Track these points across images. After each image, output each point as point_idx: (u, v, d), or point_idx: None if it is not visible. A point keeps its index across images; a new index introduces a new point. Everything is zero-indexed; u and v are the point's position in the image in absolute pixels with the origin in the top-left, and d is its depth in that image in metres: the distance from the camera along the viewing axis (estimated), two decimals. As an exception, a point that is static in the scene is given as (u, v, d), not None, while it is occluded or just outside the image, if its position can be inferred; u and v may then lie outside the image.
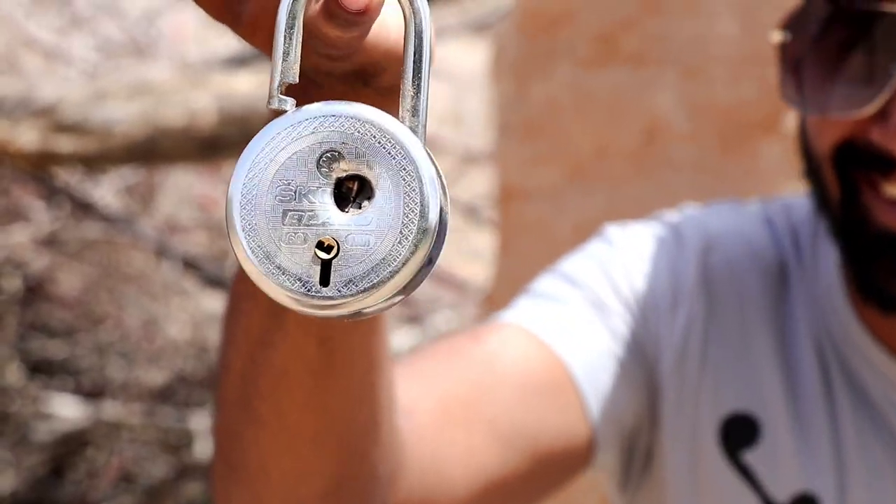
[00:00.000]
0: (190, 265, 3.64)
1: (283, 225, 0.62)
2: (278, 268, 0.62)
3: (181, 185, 3.53)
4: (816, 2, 1.03)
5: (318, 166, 0.62)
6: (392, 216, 0.62)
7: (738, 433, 1.10)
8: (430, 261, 0.62)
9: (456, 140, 3.39)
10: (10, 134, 3.06)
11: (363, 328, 0.85)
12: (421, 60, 0.63)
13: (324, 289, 0.62)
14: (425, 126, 0.63)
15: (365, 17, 0.63)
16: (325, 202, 0.62)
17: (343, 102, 0.62)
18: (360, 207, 0.62)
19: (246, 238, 0.62)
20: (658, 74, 2.45)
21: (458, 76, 3.97)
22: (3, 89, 3.13)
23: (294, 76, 0.62)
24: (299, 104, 0.63)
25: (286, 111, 0.62)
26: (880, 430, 1.09)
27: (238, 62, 3.31)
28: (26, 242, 3.55)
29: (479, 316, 2.78)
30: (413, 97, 0.63)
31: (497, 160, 2.66)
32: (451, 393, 1.06)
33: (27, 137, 3.05)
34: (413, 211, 0.62)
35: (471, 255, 3.74)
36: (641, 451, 1.15)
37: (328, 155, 0.62)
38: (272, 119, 0.63)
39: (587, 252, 1.17)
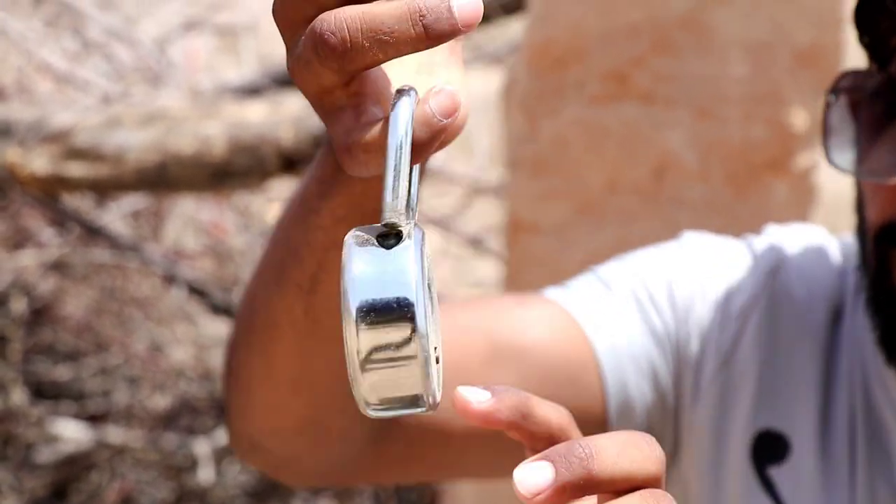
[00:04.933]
0: (195, 291, 3.64)
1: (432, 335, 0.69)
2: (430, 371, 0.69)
3: (188, 212, 3.54)
4: (865, 70, 1.03)
5: (429, 282, 0.70)
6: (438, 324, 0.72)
7: (769, 449, 1.13)
8: None
9: (464, 172, 3.40)
10: (22, 159, 3.07)
11: None
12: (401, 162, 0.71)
13: (437, 392, 0.70)
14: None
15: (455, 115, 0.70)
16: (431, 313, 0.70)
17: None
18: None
19: (423, 346, 0.69)
20: (669, 113, 2.45)
21: (472, 104, 3.97)
22: (15, 114, 3.13)
23: (402, 210, 0.70)
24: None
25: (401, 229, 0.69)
26: (886, 468, 1.11)
27: (249, 91, 3.32)
28: (33, 266, 3.55)
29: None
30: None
31: (506, 194, 2.66)
32: (473, 348, 1.10)
33: (38, 162, 3.06)
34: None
35: (474, 284, 3.74)
36: (665, 446, 1.17)
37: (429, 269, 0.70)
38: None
39: (657, 249, 1.21)
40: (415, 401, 0.69)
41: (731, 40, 2.41)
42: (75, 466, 3.77)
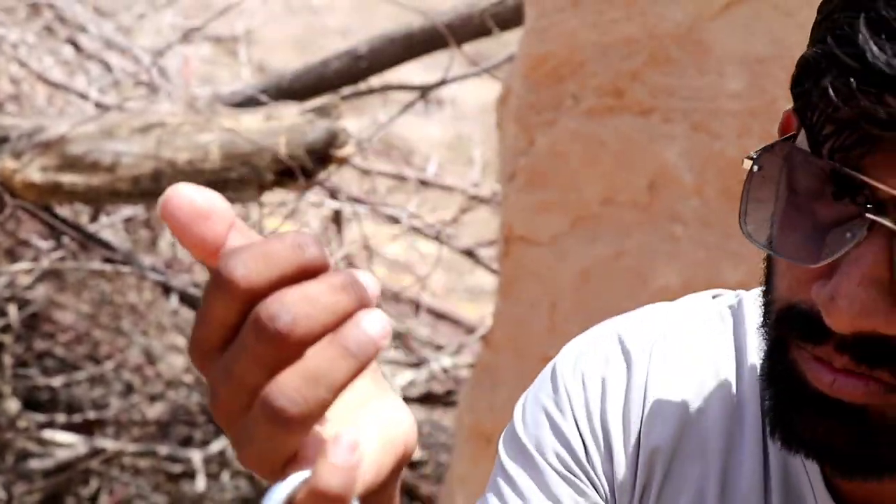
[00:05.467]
0: (188, 301, 3.62)
1: None
2: None
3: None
4: (793, 147, 0.95)
5: None
6: None
7: None
8: None
9: (460, 183, 3.39)
10: (18, 167, 3.05)
11: None
12: None
13: None
14: None
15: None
16: None
17: None
18: None
19: None
20: (665, 126, 2.43)
21: (468, 114, 3.97)
22: (11, 123, 3.11)
23: None
24: None
25: None
26: None
27: (244, 101, 3.30)
28: (28, 275, 3.53)
29: (479, 357, 2.77)
30: None
31: (501, 206, 2.65)
32: None
33: (33, 171, 3.04)
34: None
35: (470, 294, 3.74)
36: None
37: None
38: None
39: (538, 402, 1.16)
40: None
41: (727, 55, 2.39)
42: (70, 474, 3.75)
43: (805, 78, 0.94)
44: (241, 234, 0.73)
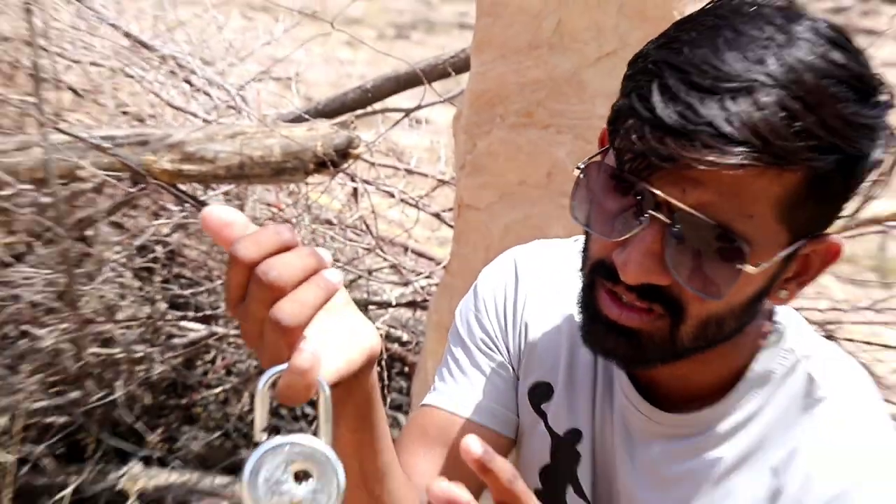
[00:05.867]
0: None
1: (273, 497, 0.68)
2: None
3: (259, 194, 3.36)
4: (605, 165, 0.90)
5: (286, 469, 0.68)
6: (332, 486, 0.68)
7: (541, 392, 1.07)
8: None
9: (432, 171, 3.22)
10: (155, 160, 2.86)
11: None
12: (328, 412, 0.71)
13: None
14: (331, 438, 0.71)
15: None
16: (290, 484, 0.68)
17: (294, 435, 0.69)
18: (305, 483, 0.68)
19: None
20: (558, 136, 2.26)
21: (438, 128, 3.77)
22: (150, 132, 2.93)
23: (263, 429, 0.70)
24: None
25: (263, 441, 0.69)
26: (611, 393, 1.04)
27: (296, 118, 3.11)
28: (166, 227, 3.37)
29: (442, 279, 2.60)
30: (326, 426, 0.71)
31: (457, 186, 2.48)
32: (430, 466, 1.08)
33: (165, 163, 2.84)
34: (337, 486, 0.69)
35: (439, 241, 3.57)
36: None
37: (291, 463, 0.68)
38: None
39: (465, 307, 1.13)
40: None
41: (598, 91, 2.22)
42: (198, 347, 3.58)
43: (616, 119, 0.87)
44: (250, 230, 0.72)
